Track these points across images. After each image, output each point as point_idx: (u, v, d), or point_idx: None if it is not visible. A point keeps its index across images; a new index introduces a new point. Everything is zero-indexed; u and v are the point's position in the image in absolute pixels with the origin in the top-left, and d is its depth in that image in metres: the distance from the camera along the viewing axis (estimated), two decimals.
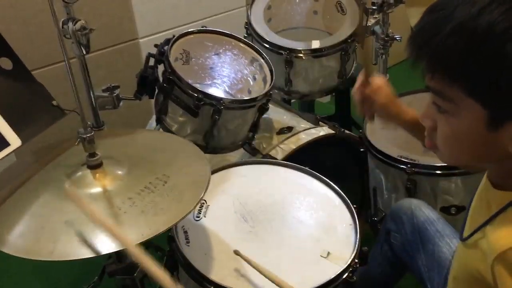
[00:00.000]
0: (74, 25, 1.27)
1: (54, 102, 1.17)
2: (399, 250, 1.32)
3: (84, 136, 1.04)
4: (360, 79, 1.16)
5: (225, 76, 1.62)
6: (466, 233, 0.85)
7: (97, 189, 1.03)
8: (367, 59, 1.20)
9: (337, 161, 1.76)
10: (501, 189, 0.80)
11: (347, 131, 1.74)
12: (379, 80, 1.16)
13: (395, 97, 1.15)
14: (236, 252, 1.16)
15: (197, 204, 1.02)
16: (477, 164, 0.85)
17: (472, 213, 0.89)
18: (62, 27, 1.28)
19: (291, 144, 1.64)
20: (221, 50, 1.65)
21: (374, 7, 1.80)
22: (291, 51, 1.78)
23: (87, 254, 0.90)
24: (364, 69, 1.17)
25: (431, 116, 0.79)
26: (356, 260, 1.15)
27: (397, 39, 1.90)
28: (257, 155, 1.63)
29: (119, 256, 1.17)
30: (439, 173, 1.49)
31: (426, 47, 0.71)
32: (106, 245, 0.92)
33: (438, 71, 0.72)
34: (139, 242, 0.92)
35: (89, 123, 1.05)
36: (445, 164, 1.47)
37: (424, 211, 1.30)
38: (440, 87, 0.73)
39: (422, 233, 1.26)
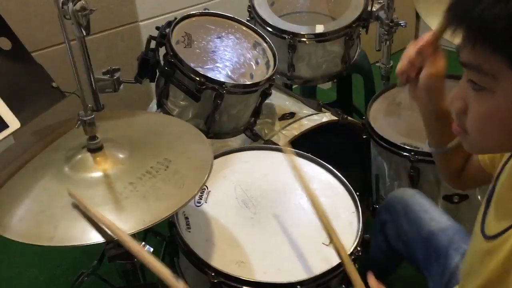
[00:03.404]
0: (74, 5, 1.24)
1: (54, 84, 1.14)
2: (395, 240, 1.31)
3: (85, 118, 1.03)
4: (425, 39, 0.98)
5: (227, 60, 1.59)
6: (492, 229, 0.79)
7: (97, 173, 1.02)
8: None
9: (339, 147, 1.75)
10: None
11: (350, 118, 1.72)
12: (440, 52, 0.99)
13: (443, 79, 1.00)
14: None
15: (199, 189, 1.00)
16: (510, 150, 0.80)
17: (500, 205, 0.82)
18: (62, 7, 1.25)
19: (293, 130, 1.63)
20: (223, 34, 1.62)
21: None
22: (295, 35, 1.75)
23: (88, 240, 0.88)
24: (436, 30, 0.97)
25: (462, 97, 0.74)
26: (359, 248, 1.14)
27: (402, 25, 1.88)
28: (259, 141, 1.61)
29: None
30: None
31: (468, 16, 0.66)
32: (107, 231, 0.90)
33: (480, 41, 0.66)
34: (140, 228, 0.90)
35: (89, 105, 1.03)
36: None
37: (418, 200, 1.27)
38: (480, 59, 0.68)
39: (417, 222, 1.23)
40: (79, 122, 1.04)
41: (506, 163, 0.84)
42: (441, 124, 1.01)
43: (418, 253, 1.23)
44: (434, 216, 1.23)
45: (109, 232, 0.88)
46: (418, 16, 1.71)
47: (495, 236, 0.78)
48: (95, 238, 0.90)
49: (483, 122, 0.72)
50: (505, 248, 0.74)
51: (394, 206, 1.30)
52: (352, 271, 0.97)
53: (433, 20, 1.62)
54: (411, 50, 0.99)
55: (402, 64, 1.00)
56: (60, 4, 1.24)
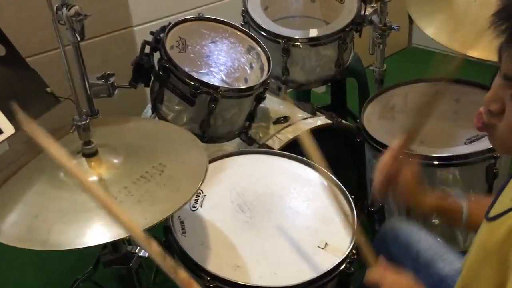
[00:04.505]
0: (68, 10, 1.24)
1: (48, 89, 1.14)
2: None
3: (79, 123, 1.03)
4: (394, 150, 1.03)
5: (222, 64, 1.60)
6: (493, 213, 0.82)
7: (92, 178, 1.02)
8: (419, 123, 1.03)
9: (334, 151, 1.74)
10: None
11: (344, 121, 1.73)
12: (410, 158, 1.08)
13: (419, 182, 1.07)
14: None
15: (194, 194, 1.00)
16: None
17: (505, 193, 0.84)
18: (56, 13, 1.25)
19: (288, 133, 1.63)
20: (217, 38, 1.62)
21: None
22: (288, 39, 1.76)
23: (81, 244, 0.88)
24: (407, 136, 1.04)
25: (500, 101, 0.75)
26: (354, 251, 1.14)
27: (394, 29, 1.89)
28: (254, 145, 1.62)
29: (115, 246, 1.15)
30: (436, 164, 1.48)
31: None
32: (101, 235, 0.90)
33: None
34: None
35: (84, 110, 1.03)
36: (442, 155, 1.47)
37: (405, 227, 1.29)
38: None
39: (406, 245, 1.25)
40: (73, 127, 1.04)
41: None
42: (435, 213, 1.12)
43: (408, 270, 1.24)
44: (420, 237, 1.26)
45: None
46: (411, 20, 1.72)
47: (495, 217, 0.80)
48: (89, 241, 0.89)
49: None
50: (500, 227, 0.76)
51: (385, 236, 1.32)
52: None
53: (426, 24, 1.63)
54: (386, 159, 1.03)
55: (379, 180, 1.05)
56: (55, 10, 1.24)
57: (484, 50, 1.38)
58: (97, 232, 0.91)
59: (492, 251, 0.79)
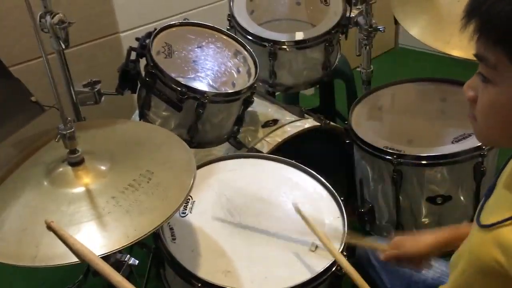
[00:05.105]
0: (52, 18, 1.24)
1: (33, 98, 1.13)
2: None
3: (64, 132, 1.01)
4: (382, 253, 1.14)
5: (209, 69, 1.59)
6: (486, 219, 0.81)
7: (79, 189, 1.00)
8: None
9: (323, 153, 1.76)
10: None
11: (332, 123, 1.73)
12: (392, 242, 1.13)
13: (419, 237, 1.12)
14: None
15: (183, 201, 0.99)
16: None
17: (498, 198, 0.84)
18: (40, 21, 1.24)
19: (277, 137, 1.63)
20: (204, 43, 1.62)
21: None
22: (275, 43, 1.76)
23: (71, 258, 0.86)
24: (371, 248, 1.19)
25: (474, 87, 0.79)
26: (345, 253, 1.14)
27: (380, 30, 1.90)
28: (243, 149, 1.61)
29: (103, 256, 1.14)
30: (424, 163, 1.49)
31: (477, 10, 0.73)
32: (91, 248, 0.89)
33: (484, 32, 0.73)
34: (124, 245, 0.89)
35: (69, 118, 1.02)
36: (430, 154, 1.48)
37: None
38: (485, 51, 0.73)
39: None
40: (58, 136, 1.03)
41: (510, 158, 0.86)
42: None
43: (385, 283, 1.24)
44: None
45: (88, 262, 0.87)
46: (396, 21, 1.72)
47: (489, 226, 0.79)
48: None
49: (486, 113, 0.77)
50: (494, 236, 0.76)
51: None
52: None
53: (410, 24, 1.64)
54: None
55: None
56: (38, 18, 1.23)
57: (469, 49, 1.39)
58: (87, 246, 0.89)
59: (486, 261, 0.77)
